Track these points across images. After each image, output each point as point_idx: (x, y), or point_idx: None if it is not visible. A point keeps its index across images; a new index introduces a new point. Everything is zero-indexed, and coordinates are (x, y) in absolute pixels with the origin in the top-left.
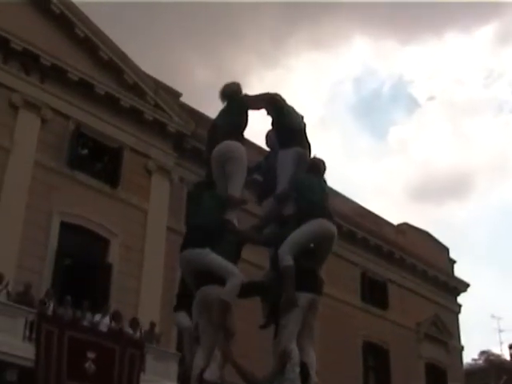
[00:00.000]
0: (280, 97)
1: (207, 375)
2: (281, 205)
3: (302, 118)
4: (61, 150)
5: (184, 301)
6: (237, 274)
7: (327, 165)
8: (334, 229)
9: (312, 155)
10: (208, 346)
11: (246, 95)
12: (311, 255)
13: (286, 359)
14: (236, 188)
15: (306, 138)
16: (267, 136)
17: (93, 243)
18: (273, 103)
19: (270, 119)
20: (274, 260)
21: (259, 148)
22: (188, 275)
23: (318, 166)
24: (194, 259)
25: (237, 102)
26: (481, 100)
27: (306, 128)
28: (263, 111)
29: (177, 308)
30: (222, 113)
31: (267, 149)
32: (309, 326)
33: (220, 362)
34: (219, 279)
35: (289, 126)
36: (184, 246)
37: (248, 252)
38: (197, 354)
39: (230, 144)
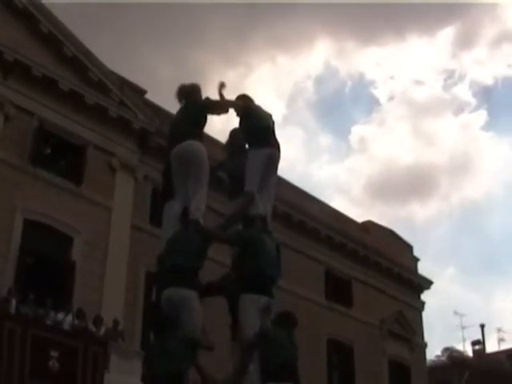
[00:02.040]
0: (247, 99)
1: None
2: (247, 204)
3: (271, 116)
4: (24, 147)
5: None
6: None
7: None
8: None
9: (282, 309)
10: None
11: (209, 99)
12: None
13: (247, 360)
14: (201, 196)
15: (275, 137)
16: (233, 135)
17: (56, 241)
18: (240, 108)
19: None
20: (235, 259)
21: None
22: None
23: (290, 318)
24: None
25: (196, 102)
26: (441, 101)
27: (274, 127)
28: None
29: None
30: (182, 111)
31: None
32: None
33: None
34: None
35: (257, 127)
36: None
37: (212, 250)
38: None
39: (192, 144)
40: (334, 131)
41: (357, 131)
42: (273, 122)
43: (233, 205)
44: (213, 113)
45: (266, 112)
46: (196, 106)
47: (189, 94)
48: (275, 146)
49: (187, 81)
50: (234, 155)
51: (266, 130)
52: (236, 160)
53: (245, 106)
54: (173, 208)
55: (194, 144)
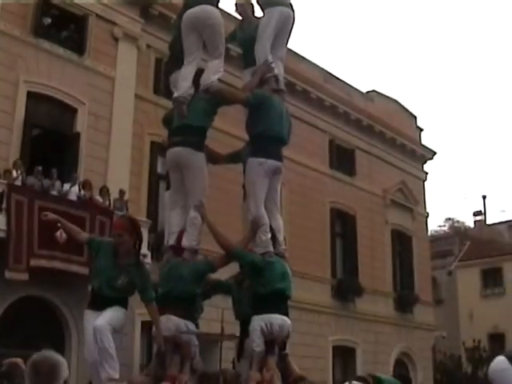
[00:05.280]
0: None
1: (186, 242)
2: (265, 72)
3: None
4: (25, 17)
5: None
6: None
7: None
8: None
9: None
10: (182, 205)
11: None
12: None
13: (257, 225)
14: (219, 62)
15: None
16: (238, 3)
17: (60, 112)
18: None
19: None
20: (248, 123)
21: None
22: None
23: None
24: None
25: None
26: None
27: None
28: None
29: (169, 186)
30: None
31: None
32: (274, 192)
33: (198, 226)
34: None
35: None
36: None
37: (227, 124)
38: (171, 217)
39: (208, 9)
40: None
41: None
42: None
43: (247, 73)
44: None
45: None
46: None
47: None
48: (290, 6)
49: None
50: (243, 24)
51: None
52: (246, 29)
53: None
54: (184, 72)
55: (209, 9)
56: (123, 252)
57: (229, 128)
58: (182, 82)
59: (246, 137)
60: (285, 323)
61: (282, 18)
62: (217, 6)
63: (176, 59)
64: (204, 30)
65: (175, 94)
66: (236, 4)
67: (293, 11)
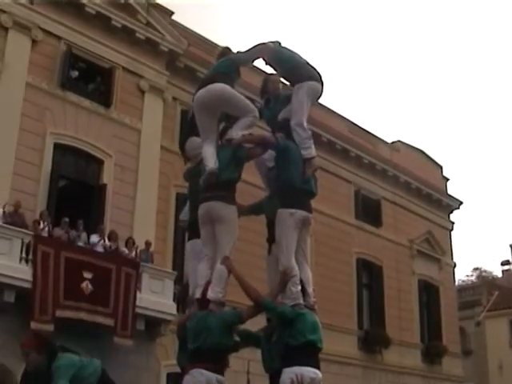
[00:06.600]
0: (272, 42)
1: (211, 294)
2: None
3: (299, 54)
4: (52, 71)
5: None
6: None
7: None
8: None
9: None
10: (210, 257)
11: (238, 51)
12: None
13: (287, 277)
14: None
15: (315, 69)
16: (265, 82)
17: (87, 164)
18: (267, 49)
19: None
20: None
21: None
22: None
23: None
24: None
25: (226, 58)
26: None
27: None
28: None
29: (191, 236)
30: (211, 68)
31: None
32: (303, 243)
33: (224, 278)
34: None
35: (298, 60)
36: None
37: (248, 174)
38: (199, 270)
39: (215, 87)
40: None
41: None
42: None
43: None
44: (247, 61)
45: (293, 51)
46: (224, 61)
47: (222, 54)
48: (318, 79)
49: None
50: (269, 101)
51: (303, 63)
52: (272, 106)
53: (271, 48)
54: (206, 151)
55: (215, 86)
56: (36, 368)
57: (246, 176)
58: (208, 158)
59: (261, 183)
60: (316, 376)
61: (312, 95)
62: (228, 84)
63: (192, 127)
64: (223, 107)
65: (209, 167)
66: (265, 81)
67: (322, 84)
